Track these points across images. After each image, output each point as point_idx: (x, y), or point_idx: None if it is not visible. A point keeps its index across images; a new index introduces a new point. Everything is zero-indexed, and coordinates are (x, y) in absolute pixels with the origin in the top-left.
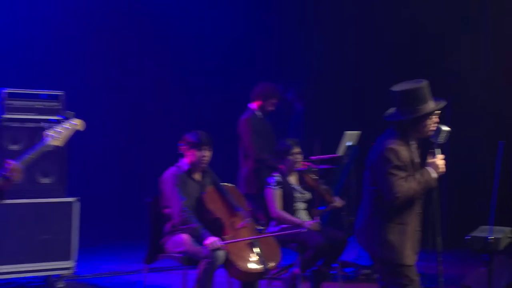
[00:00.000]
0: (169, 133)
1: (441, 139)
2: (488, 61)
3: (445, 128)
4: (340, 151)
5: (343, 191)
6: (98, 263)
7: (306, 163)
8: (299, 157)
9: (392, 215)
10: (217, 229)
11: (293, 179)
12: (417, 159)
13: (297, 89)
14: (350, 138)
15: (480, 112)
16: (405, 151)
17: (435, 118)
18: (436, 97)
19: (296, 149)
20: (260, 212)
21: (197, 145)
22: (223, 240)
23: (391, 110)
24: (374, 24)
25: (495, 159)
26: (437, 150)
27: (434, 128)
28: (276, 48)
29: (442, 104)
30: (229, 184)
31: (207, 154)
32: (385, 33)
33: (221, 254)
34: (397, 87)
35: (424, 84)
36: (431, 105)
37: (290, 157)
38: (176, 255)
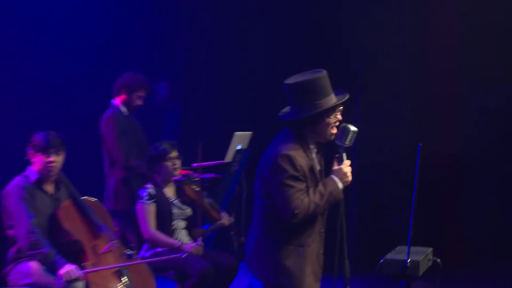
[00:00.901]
0: (16, 136)
1: (348, 141)
2: (404, 45)
3: (351, 127)
4: (228, 157)
5: (232, 206)
6: None
7: (186, 171)
8: (178, 164)
9: (288, 235)
10: (76, 255)
11: (170, 191)
12: (318, 167)
13: (172, 82)
14: (240, 140)
15: (396, 108)
16: (302, 158)
17: (338, 116)
18: (339, 90)
19: (174, 154)
20: (130, 232)
21: (43, 149)
22: (82, 268)
23: (287, 108)
24: (266, 9)
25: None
26: (343, 155)
27: (338, 128)
28: (147, 35)
29: (346, 97)
30: (91, 198)
31: (55, 159)
32: (280, 18)
33: (79, 286)
34: (291, 79)
35: (322, 74)
36: (332, 99)
37: (167, 164)
38: None
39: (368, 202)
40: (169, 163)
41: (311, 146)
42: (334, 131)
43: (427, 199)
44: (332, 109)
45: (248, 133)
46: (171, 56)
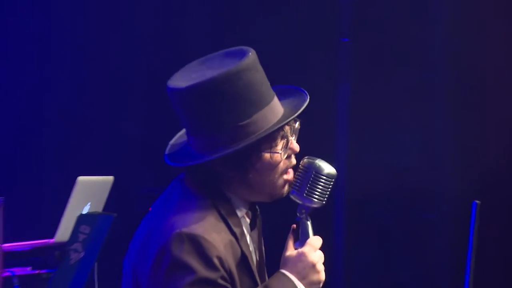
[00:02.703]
0: None
1: (317, 195)
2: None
3: (324, 167)
4: (62, 231)
5: None
6: None
7: None
8: None
9: None
10: None
11: None
12: (254, 253)
13: None
14: (88, 193)
15: (409, 106)
16: (222, 240)
17: (292, 144)
18: (286, 85)
19: None
20: None
21: None
22: None
23: (180, 136)
24: None
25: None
26: (308, 225)
27: (295, 170)
28: None
29: (304, 102)
30: None
31: None
32: None
33: None
34: (180, 79)
35: (247, 60)
36: (274, 109)
37: None
38: None
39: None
40: None
41: (242, 211)
42: (289, 176)
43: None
44: (276, 134)
45: (107, 178)
46: None
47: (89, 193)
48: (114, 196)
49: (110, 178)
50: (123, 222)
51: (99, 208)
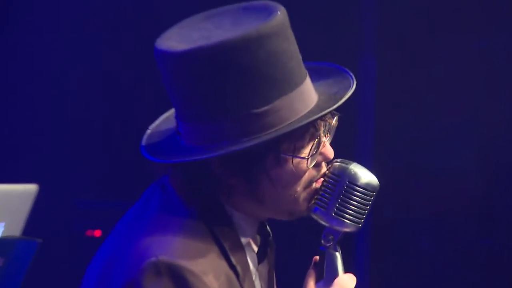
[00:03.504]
0: None
1: (350, 216)
2: None
3: (362, 176)
4: None
5: None
6: None
7: None
8: None
9: None
10: None
11: None
12: None
13: None
14: (1, 210)
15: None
16: (217, 272)
17: (325, 149)
18: (322, 62)
19: None
20: None
21: None
22: None
23: (165, 120)
24: None
25: None
26: (337, 256)
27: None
28: None
29: (349, 90)
30: None
31: None
32: None
33: None
34: (180, 38)
35: (276, 20)
36: (305, 96)
37: None
38: None
39: None
40: None
41: (245, 236)
42: (317, 185)
43: None
44: (304, 131)
45: (29, 188)
46: None
47: (3, 208)
48: (39, 213)
49: (33, 187)
50: (52, 249)
51: (17, 231)
